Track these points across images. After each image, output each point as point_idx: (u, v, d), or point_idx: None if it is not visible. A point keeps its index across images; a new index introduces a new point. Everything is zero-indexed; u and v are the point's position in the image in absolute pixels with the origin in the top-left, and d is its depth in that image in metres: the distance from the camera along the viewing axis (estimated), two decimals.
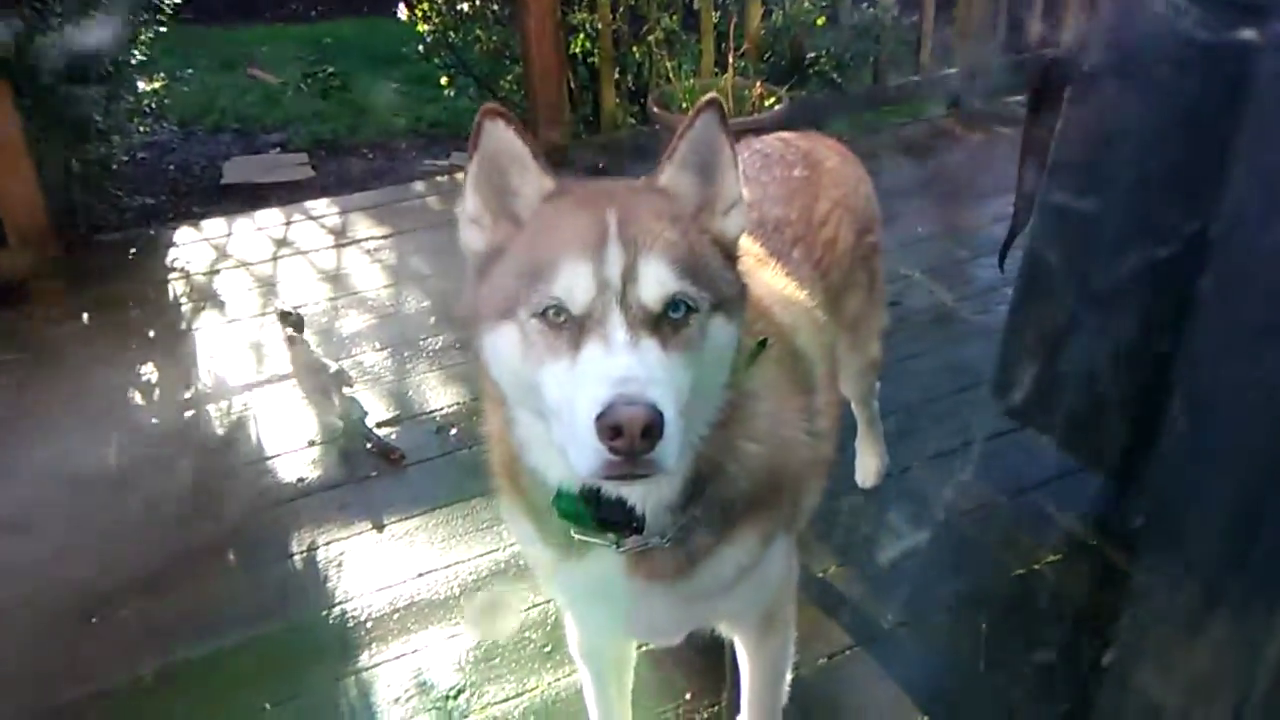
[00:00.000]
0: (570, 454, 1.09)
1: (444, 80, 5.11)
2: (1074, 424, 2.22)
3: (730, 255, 1.26)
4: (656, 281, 1.11)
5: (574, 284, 1.11)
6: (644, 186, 1.24)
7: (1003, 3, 5.08)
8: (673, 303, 1.12)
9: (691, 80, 4.18)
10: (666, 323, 1.12)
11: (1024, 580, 2.25)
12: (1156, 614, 1.68)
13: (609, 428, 1.02)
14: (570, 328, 1.11)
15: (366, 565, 2.38)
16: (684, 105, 3.98)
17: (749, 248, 1.64)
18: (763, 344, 1.34)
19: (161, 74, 4.61)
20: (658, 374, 1.07)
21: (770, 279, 1.62)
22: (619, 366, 1.06)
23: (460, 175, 4.56)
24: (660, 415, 1.03)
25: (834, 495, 1.65)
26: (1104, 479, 2.41)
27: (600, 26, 4.15)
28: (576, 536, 1.28)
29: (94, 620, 2.24)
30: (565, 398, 1.10)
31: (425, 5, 4.67)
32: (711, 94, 1.22)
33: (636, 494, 1.24)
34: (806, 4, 4.37)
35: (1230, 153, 1.60)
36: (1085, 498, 2.41)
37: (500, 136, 1.20)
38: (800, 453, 1.46)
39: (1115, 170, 2.01)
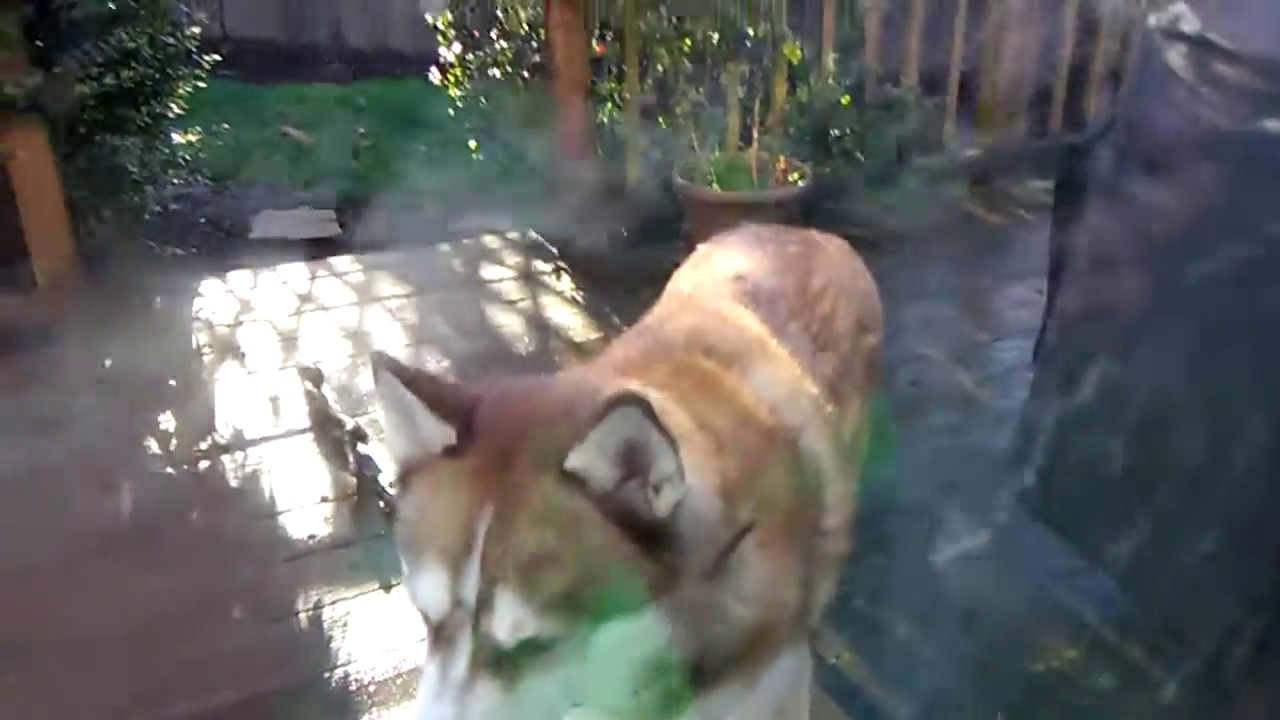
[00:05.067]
0: None
1: (472, 144, 5.20)
2: (1081, 521, 2.18)
3: (656, 536, 1.05)
4: (509, 620, 0.98)
5: (429, 595, 1.01)
6: (554, 463, 1.02)
7: (1026, 87, 5.15)
8: (530, 639, 0.99)
9: (716, 153, 4.23)
10: (527, 650, 0.99)
11: (1043, 676, 2.19)
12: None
13: None
14: (431, 628, 1.03)
15: (372, 627, 2.35)
16: (709, 179, 4.03)
17: (745, 324, 1.55)
18: (744, 532, 1.17)
19: (198, 128, 4.70)
20: None
21: (771, 371, 1.45)
22: (431, 714, 0.98)
23: (486, 239, 4.63)
24: None
25: (847, 580, 1.61)
26: (1112, 578, 2.37)
27: (628, 96, 4.22)
28: None
29: (89, 669, 2.21)
30: None
31: (457, 70, 4.77)
32: (623, 390, 1.03)
33: None
34: (831, 81, 4.44)
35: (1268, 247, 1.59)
36: (1105, 593, 2.36)
37: (395, 390, 1.09)
38: (790, 608, 1.31)
39: (1133, 267, 2.01)
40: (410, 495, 1.10)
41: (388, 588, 2.46)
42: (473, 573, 0.98)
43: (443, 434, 1.08)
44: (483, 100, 4.88)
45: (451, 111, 5.06)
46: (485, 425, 1.07)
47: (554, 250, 4.39)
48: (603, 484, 1.04)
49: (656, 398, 1.11)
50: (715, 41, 4.13)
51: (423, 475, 1.10)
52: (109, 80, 3.33)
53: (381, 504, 2.75)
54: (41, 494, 2.80)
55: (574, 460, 1.02)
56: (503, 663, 0.99)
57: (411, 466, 1.11)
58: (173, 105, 4.10)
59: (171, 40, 3.88)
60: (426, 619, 1.03)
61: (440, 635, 1.01)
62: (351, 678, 2.21)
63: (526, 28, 4.48)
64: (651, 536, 1.05)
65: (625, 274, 3.87)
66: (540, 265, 4.31)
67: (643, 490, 1.05)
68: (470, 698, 0.98)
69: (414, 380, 1.09)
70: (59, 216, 3.37)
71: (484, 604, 0.98)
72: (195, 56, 4.14)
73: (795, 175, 4.07)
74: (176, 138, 4.36)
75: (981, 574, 2.49)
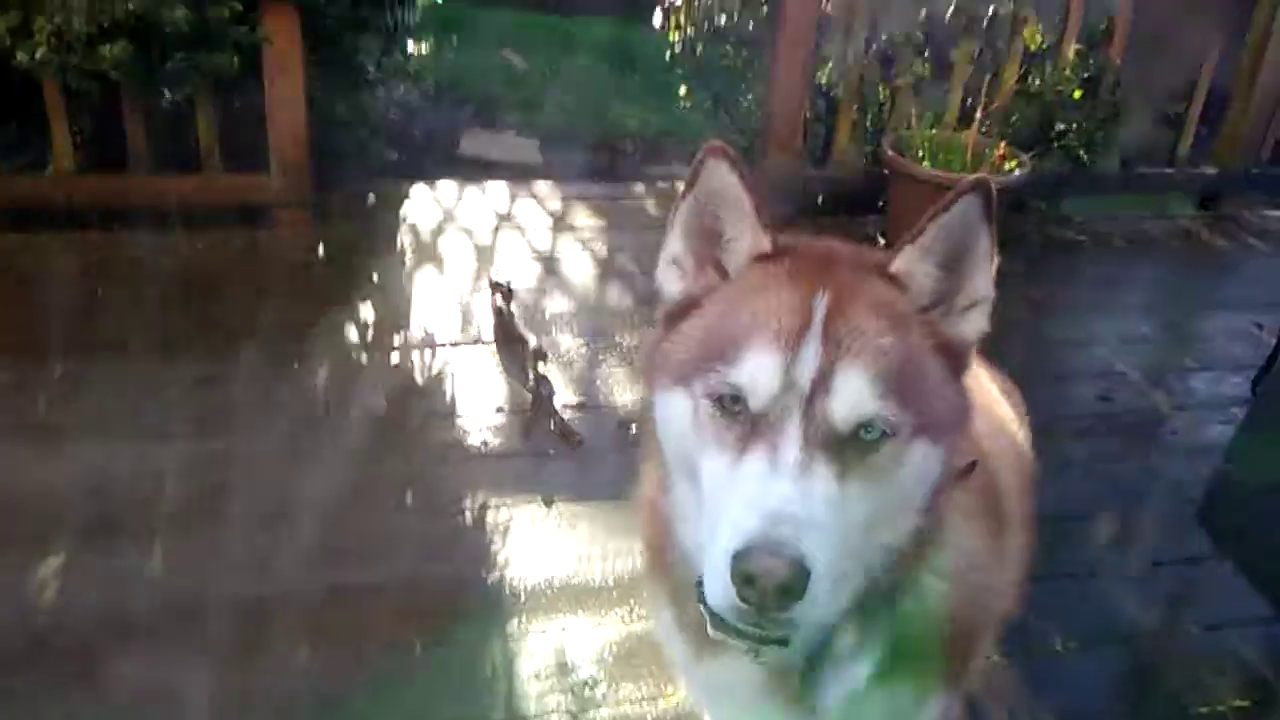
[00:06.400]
0: (705, 570, 0.98)
1: (682, 90, 5.21)
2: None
3: (958, 365, 1.08)
4: (851, 400, 0.96)
5: (757, 376, 0.98)
6: (874, 267, 1.07)
7: (1278, 111, 4.74)
8: (866, 424, 0.97)
9: (932, 130, 4.10)
10: (853, 445, 0.97)
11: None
12: None
13: (741, 573, 0.90)
14: (744, 422, 0.98)
15: (530, 537, 2.45)
16: (919, 154, 3.91)
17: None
18: (972, 466, 1.16)
19: (429, 40, 4.88)
20: (820, 515, 0.92)
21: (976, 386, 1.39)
22: (776, 495, 0.92)
23: (680, 184, 4.63)
24: (805, 573, 0.89)
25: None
26: None
27: (851, 60, 4.13)
28: (713, 634, 1.06)
29: (278, 527, 2.40)
30: (717, 501, 0.98)
31: (680, 14, 4.77)
32: (981, 175, 1.05)
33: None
34: (1068, 72, 4.21)
35: None
36: None
37: (723, 178, 1.08)
38: (988, 601, 1.27)
39: None
40: (711, 304, 1.09)
41: (548, 502, 2.56)
42: (810, 351, 0.97)
43: (757, 241, 1.09)
44: (699, 47, 4.86)
45: (668, 55, 5.07)
46: (796, 245, 1.11)
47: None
48: (919, 297, 1.06)
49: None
50: (951, 15, 3.97)
51: (724, 290, 1.09)
52: None
53: (551, 424, 2.85)
54: (248, 360, 3.02)
55: (900, 264, 1.06)
56: (834, 450, 0.96)
57: (696, 295, 1.11)
58: (413, 15, 4.26)
59: None
60: (739, 409, 0.98)
61: (761, 424, 0.97)
62: (506, 580, 2.32)
63: None
64: (953, 362, 1.07)
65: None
66: None
67: (949, 316, 1.07)
68: (810, 479, 0.93)
69: (745, 175, 1.08)
70: (299, 106, 3.57)
71: (821, 384, 0.96)
72: None
73: (1012, 164, 3.90)
74: (411, 47, 4.54)
75: (1153, 606, 2.37)
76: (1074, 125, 4.28)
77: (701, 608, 1.05)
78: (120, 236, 3.55)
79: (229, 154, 3.63)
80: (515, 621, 2.21)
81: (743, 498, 0.94)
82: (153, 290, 3.29)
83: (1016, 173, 3.88)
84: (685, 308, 1.11)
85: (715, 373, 1.00)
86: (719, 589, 0.93)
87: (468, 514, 2.52)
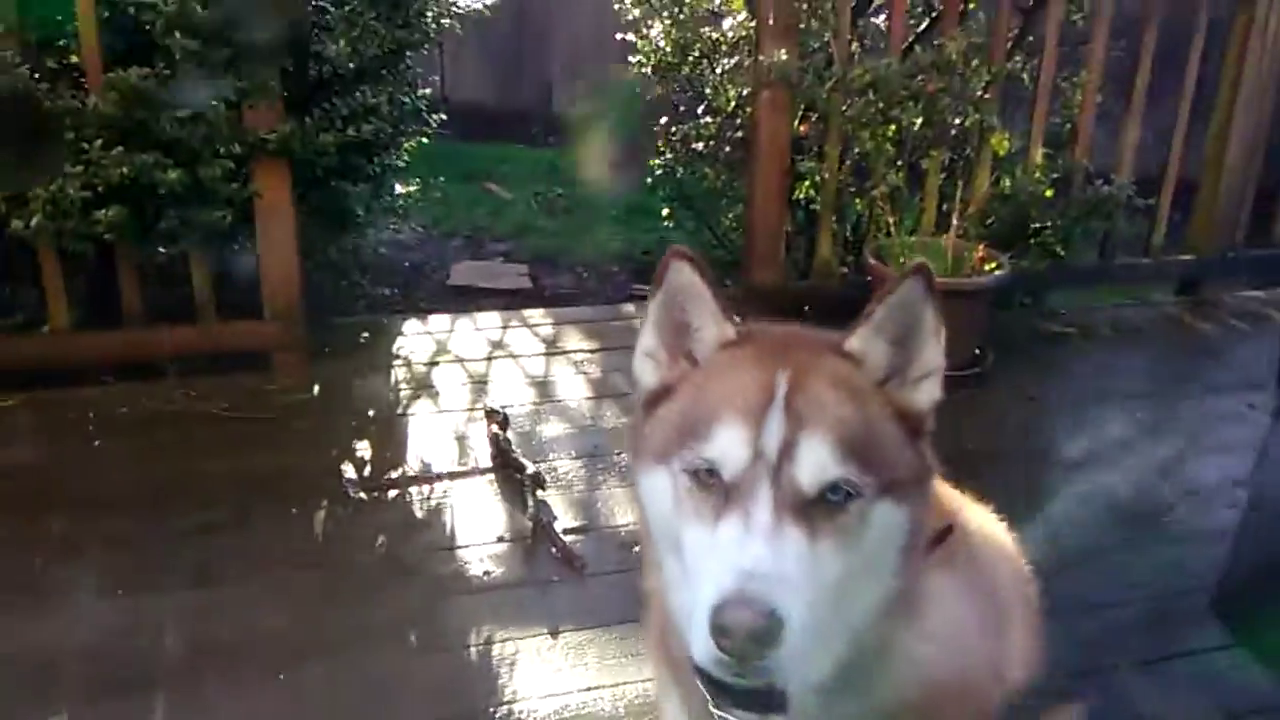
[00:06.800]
0: (691, 631, 1.04)
1: (665, 212, 5.35)
2: None
3: (916, 429, 1.18)
4: (815, 463, 1.05)
5: (728, 449, 1.07)
6: (830, 347, 1.18)
7: (1249, 193, 4.88)
8: (831, 487, 1.05)
9: (911, 237, 4.20)
10: (821, 508, 1.05)
11: None
12: None
13: (718, 626, 0.97)
14: (718, 493, 1.07)
15: (537, 669, 2.40)
16: (901, 260, 3.99)
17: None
18: (948, 530, 1.24)
19: (416, 179, 5.04)
20: (791, 571, 1.00)
21: (971, 511, 1.51)
22: (749, 555, 1.00)
23: None
24: (779, 623, 0.96)
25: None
26: None
27: (826, 176, 4.25)
28: (715, 713, 1.13)
29: (281, 677, 2.35)
30: (699, 567, 1.06)
31: (660, 142, 4.94)
32: (920, 260, 1.18)
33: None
34: (1038, 174, 4.34)
35: None
36: None
37: (687, 277, 1.19)
38: (981, 671, 1.30)
39: None
40: (684, 389, 1.19)
41: (555, 633, 2.51)
42: (775, 423, 1.06)
43: (721, 330, 1.20)
44: (680, 170, 5.02)
45: (649, 180, 5.23)
46: (757, 331, 1.23)
47: (738, 320, 4.43)
48: (875, 371, 1.17)
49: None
50: (919, 128, 4.12)
51: (696, 375, 1.19)
52: (350, 132, 3.61)
53: (554, 550, 2.82)
54: (245, 506, 3.01)
55: (854, 343, 1.17)
56: (802, 512, 1.03)
57: (670, 382, 1.21)
58: (398, 158, 4.41)
59: (406, 100, 4.20)
60: (714, 480, 1.07)
61: (734, 492, 1.05)
62: (514, 716, 2.26)
63: (733, 105, 4.60)
64: (911, 428, 1.16)
65: None
66: None
67: (904, 387, 1.17)
68: (781, 539, 1.01)
69: (706, 273, 1.19)
70: (291, 253, 3.66)
71: (787, 453, 1.05)
72: (424, 115, 4.46)
73: (992, 265, 3.98)
74: (398, 188, 4.68)
75: (1176, 699, 2.32)
76: (1049, 223, 4.39)
77: (700, 684, 1.11)
78: (116, 390, 3.58)
79: (224, 302, 3.69)
80: None
81: (719, 559, 1.02)
82: (148, 441, 3.31)
83: (998, 272, 3.96)
84: (661, 395, 1.22)
85: (690, 449, 1.09)
86: (701, 643, 1.00)
87: (473, 650, 2.47)
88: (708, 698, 1.13)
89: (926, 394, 1.18)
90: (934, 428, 1.22)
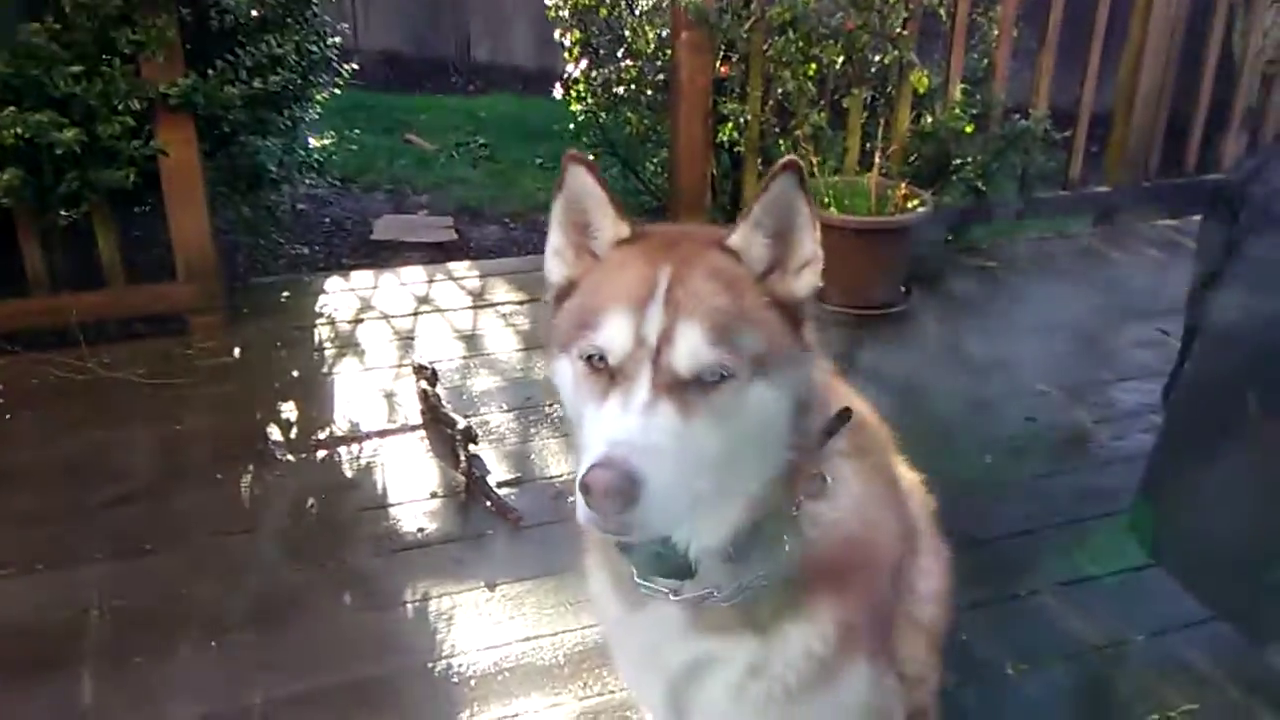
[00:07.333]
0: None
1: (589, 158, 5.28)
2: (1205, 570, 2.09)
3: (796, 317, 1.27)
4: (689, 348, 1.15)
5: (614, 336, 1.17)
6: (714, 242, 1.27)
7: (1160, 124, 4.99)
8: (707, 369, 1.15)
9: (835, 177, 4.21)
10: (697, 387, 1.15)
11: None
12: None
13: (582, 485, 1.08)
14: (607, 376, 1.18)
15: (475, 623, 2.40)
16: (826, 201, 4.00)
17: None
18: (846, 413, 1.34)
19: (330, 132, 4.89)
20: (658, 441, 1.10)
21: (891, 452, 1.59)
22: (620, 428, 1.11)
23: None
24: (634, 483, 1.06)
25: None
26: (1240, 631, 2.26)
27: (749, 118, 4.23)
28: (639, 583, 1.31)
29: (213, 644, 2.31)
30: (586, 442, 1.17)
31: (581, 86, 4.85)
32: (790, 157, 1.24)
33: (682, 537, 1.26)
34: (957, 110, 4.37)
35: None
36: (1230, 646, 2.26)
37: (582, 180, 1.28)
38: (888, 540, 1.43)
39: None
40: (584, 283, 1.28)
41: (491, 586, 2.51)
42: (655, 314, 1.16)
43: (616, 229, 1.29)
44: (603, 116, 4.95)
45: (571, 126, 5.15)
46: (650, 229, 1.32)
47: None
48: (756, 264, 1.25)
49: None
50: (840, 66, 4.11)
51: (593, 270, 1.29)
52: (256, 84, 3.48)
53: (488, 504, 2.81)
54: (168, 473, 2.94)
55: (735, 239, 1.25)
56: (678, 392, 1.14)
57: (574, 277, 1.31)
58: (311, 110, 4.27)
59: (315, 49, 4.05)
60: (603, 365, 1.18)
61: (619, 375, 1.16)
62: (453, 670, 2.26)
63: (653, 48, 4.53)
64: (790, 315, 1.25)
65: None
66: None
67: (785, 278, 1.26)
68: (653, 414, 1.12)
69: (600, 176, 1.28)
70: (202, 212, 3.54)
71: (665, 338, 1.15)
72: (335, 65, 4.31)
73: (915, 202, 4.01)
74: (312, 142, 4.54)
75: (1097, 619, 2.40)
76: (970, 159, 4.44)
77: (623, 557, 1.30)
78: (24, 360, 3.44)
79: (135, 265, 3.56)
80: (466, 712, 2.14)
81: (598, 432, 1.13)
82: (59, 412, 3.20)
83: (920, 210, 4.00)
84: (568, 289, 1.31)
85: (584, 338, 1.19)
86: (580, 505, 1.10)
87: (409, 607, 2.46)
88: (632, 570, 1.30)
89: (806, 283, 1.27)
90: (817, 312, 1.31)
